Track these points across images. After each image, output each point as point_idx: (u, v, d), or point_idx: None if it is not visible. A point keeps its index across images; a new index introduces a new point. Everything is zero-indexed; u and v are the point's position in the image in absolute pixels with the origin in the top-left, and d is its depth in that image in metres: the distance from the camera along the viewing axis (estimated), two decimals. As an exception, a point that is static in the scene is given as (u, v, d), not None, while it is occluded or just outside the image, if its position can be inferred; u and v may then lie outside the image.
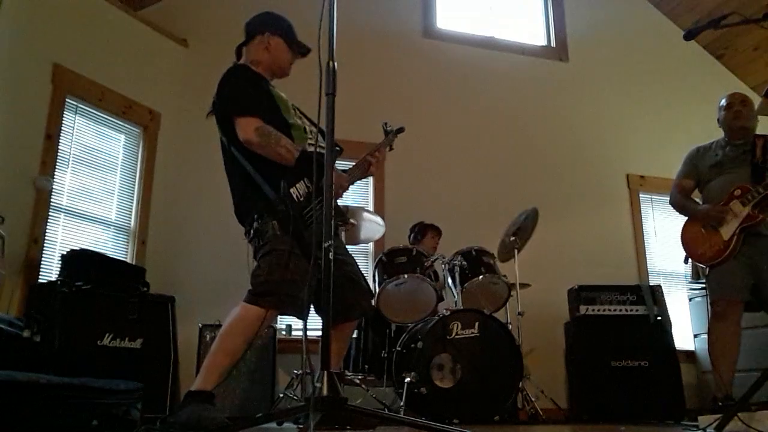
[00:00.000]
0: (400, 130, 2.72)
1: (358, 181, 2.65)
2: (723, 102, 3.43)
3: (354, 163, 2.54)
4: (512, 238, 4.01)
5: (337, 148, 2.29)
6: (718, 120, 3.46)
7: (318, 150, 2.25)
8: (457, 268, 3.61)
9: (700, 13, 5.68)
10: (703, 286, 3.33)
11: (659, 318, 4.09)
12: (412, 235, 4.31)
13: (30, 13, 3.69)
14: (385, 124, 2.71)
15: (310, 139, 2.35)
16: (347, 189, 2.41)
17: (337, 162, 2.42)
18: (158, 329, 3.45)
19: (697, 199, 3.48)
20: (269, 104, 2.30)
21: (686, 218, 3.42)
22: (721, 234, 3.16)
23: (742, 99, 3.40)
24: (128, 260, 4.06)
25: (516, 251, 4.03)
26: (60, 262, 3.31)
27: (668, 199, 3.56)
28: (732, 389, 2.99)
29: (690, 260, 3.41)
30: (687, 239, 3.36)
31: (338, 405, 1.58)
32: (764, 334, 3.94)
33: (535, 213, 4.05)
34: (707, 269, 3.27)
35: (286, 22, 2.52)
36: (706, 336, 3.27)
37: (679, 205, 3.50)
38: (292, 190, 2.12)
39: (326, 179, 1.78)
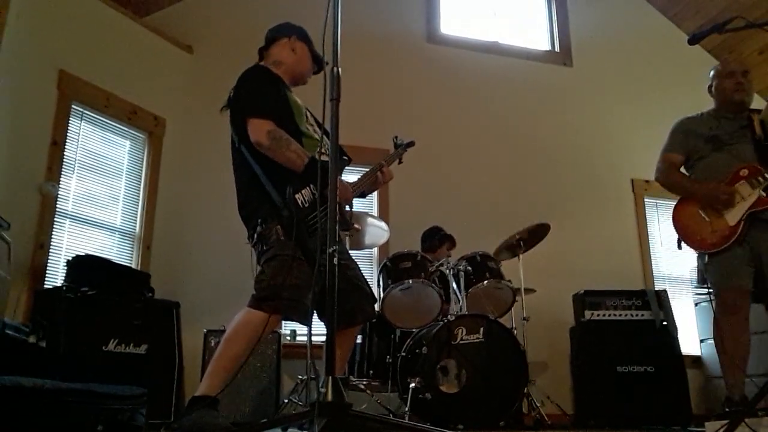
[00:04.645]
0: (410, 144, 2.72)
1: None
2: (721, 69, 3.11)
3: (362, 173, 2.53)
4: (517, 238, 3.97)
5: (345, 158, 2.29)
6: (709, 87, 3.14)
7: (325, 157, 2.24)
8: (461, 273, 3.60)
9: (704, 18, 5.68)
10: (710, 290, 2.99)
11: (665, 323, 4.08)
12: (428, 242, 4.28)
13: (36, 19, 3.72)
14: (396, 137, 2.72)
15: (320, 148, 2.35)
16: (351, 201, 2.39)
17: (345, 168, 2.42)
18: (163, 334, 3.46)
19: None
20: (284, 109, 2.30)
21: (680, 198, 3.07)
22: (725, 218, 2.85)
23: (745, 70, 3.07)
24: (133, 266, 4.07)
25: (519, 255, 4.02)
26: (65, 267, 3.33)
27: (655, 175, 3.19)
28: (744, 390, 2.80)
29: (684, 245, 3.02)
30: (682, 222, 2.99)
31: (343, 410, 1.58)
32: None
33: (546, 228, 4.01)
34: (706, 256, 2.93)
35: (309, 35, 2.55)
36: (712, 341, 3.06)
37: (672, 182, 3.11)
38: (297, 196, 2.12)
39: (330, 182, 1.78)
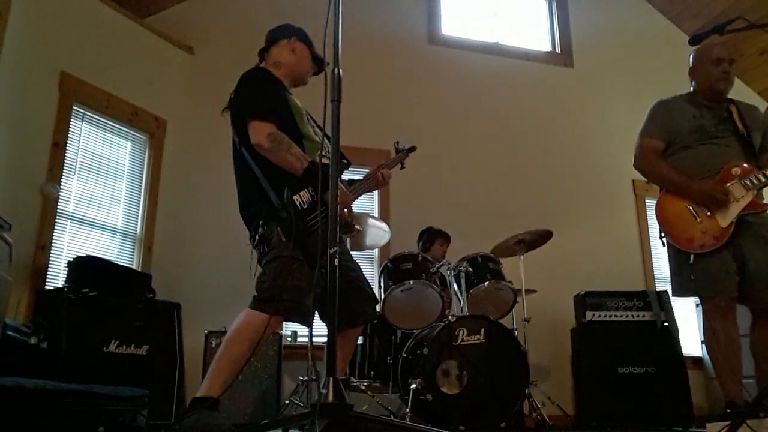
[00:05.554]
0: (412, 149, 2.72)
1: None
2: (708, 52, 2.86)
3: (363, 174, 2.53)
4: (519, 239, 3.96)
5: (344, 161, 2.29)
6: (691, 71, 2.94)
7: (326, 160, 2.24)
8: (462, 274, 3.60)
9: (705, 18, 5.68)
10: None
11: (666, 324, 4.07)
12: (421, 242, 4.32)
13: (37, 20, 3.72)
14: (397, 143, 2.73)
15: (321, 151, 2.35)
16: (350, 206, 2.38)
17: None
18: (164, 336, 3.45)
19: None
20: (285, 111, 2.30)
21: (665, 190, 2.86)
22: (717, 219, 2.67)
23: (732, 58, 2.85)
24: (134, 267, 4.08)
25: (520, 256, 4.01)
26: (66, 268, 3.32)
27: (634, 162, 2.98)
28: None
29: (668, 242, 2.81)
30: (668, 218, 2.78)
31: (343, 411, 1.58)
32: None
33: (549, 235, 4.00)
34: (691, 256, 2.71)
35: (309, 35, 2.56)
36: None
37: (657, 172, 2.88)
38: (295, 198, 2.12)
39: (331, 184, 1.78)
